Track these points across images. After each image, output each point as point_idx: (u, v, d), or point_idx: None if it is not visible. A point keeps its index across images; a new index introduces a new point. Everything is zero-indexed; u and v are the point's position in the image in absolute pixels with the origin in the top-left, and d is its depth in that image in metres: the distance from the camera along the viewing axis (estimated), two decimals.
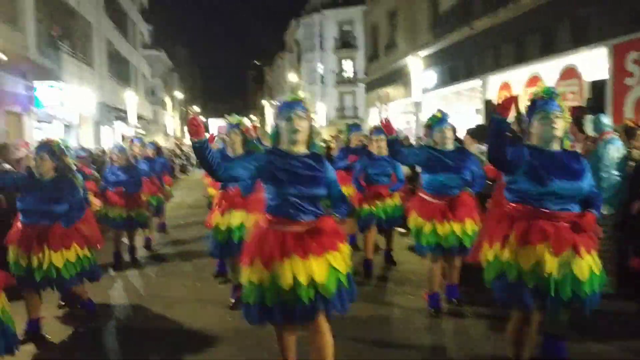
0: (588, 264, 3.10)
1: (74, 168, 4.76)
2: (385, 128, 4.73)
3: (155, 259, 7.76)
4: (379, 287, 5.94)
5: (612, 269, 5.20)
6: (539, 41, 11.72)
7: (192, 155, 29.45)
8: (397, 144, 4.78)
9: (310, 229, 3.05)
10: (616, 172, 5.16)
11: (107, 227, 7.21)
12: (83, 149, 9.79)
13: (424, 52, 17.19)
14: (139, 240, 7.94)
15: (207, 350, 4.28)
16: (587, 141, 5.50)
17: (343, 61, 41.52)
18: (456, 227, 4.65)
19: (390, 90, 22.01)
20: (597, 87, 9.80)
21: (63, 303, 5.33)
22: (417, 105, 16.62)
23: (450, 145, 4.85)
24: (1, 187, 5.35)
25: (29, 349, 4.36)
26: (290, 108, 3.13)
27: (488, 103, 13.95)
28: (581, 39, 10.22)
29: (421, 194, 5.02)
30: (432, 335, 4.47)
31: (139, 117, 28.75)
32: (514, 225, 3.21)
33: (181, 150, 33.20)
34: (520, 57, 12.45)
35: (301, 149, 3.18)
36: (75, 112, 19.05)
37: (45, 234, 4.36)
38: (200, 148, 2.86)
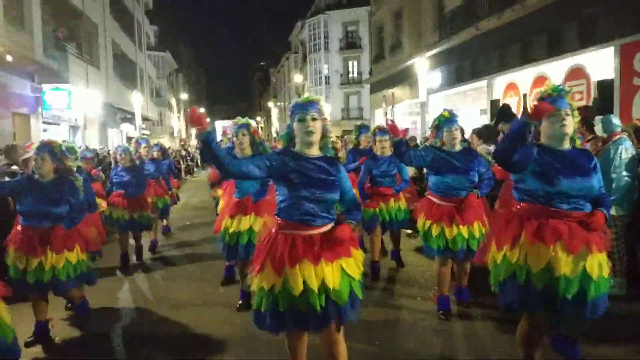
0: (599, 263, 3.05)
1: (74, 170, 4.69)
2: (390, 130, 4.61)
3: (161, 261, 7.74)
4: (386, 289, 5.91)
5: (622, 270, 5.16)
6: (545, 41, 11.68)
7: (198, 156, 29.53)
8: (403, 146, 4.67)
9: (323, 235, 2.96)
10: (626, 173, 5.12)
11: (112, 228, 7.23)
12: (89, 150, 9.81)
13: (430, 53, 17.16)
14: (145, 242, 7.94)
15: (215, 354, 4.26)
16: (596, 142, 5.46)
17: (348, 62, 41.52)
18: (464, 231, 4.61)
19: (395, 91, 21.98)
20: (604, 87, 9.76)
21: (70, 305, 5.33)
22: (423, 105, 16.58)
23: (458, 146, 4.77)
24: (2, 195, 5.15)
25: (36, 350, 4.37)
26: (304, 109, 3.04)
27: (494, 103, 13.91)
28: (588, 39, 10.18)
29: (429, 196, 4.98)
30: (441, 338, 4.43)
31: (145, 119, 28.85)
32: (524, 225, 3.15)
33: (187, 151, 33.25)
34: (526, 58, 12.42)
35: (314, 151, 3.10)
36: (81, 113, 19.13)
37: (47, 236, 4.31)
38: (207, 139, 2.75)
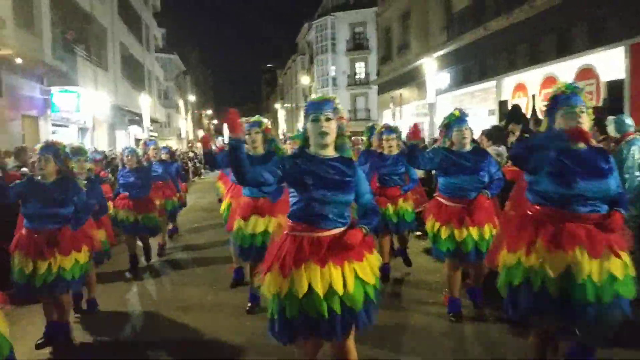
0: (623, 263, 2.96)
1: (75, 174, 4.68)
2: (412, 134, 4.55)
3: (170, 264, 7.73)
4: (396, 291, 5.87)
5: (636, 274, 5.09)
6: (554, 41, 11.60)
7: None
8: (417, 150, 4.61)
9: (332, 238, 2.85)
10: (639, 173, 5.06)
11: (118, 230, 7.22)
12: (97, 152, 9.85)
13: (437, 53, 17.10)
14: (153, 244, 7.94)
15: (225, 357, 4.24)
16: (608, 142, 5.41)
17: (355, 63, 41.48)
18: (474, 232, 4.54)
19: (403, 92, 21.93)
20: (614, 87, 9.68)
21: (84, 308, 5.33)
22: (431, 106, 16.52)
23: (468, 146, 4.70)
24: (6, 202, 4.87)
25: (45, 352, 4.38)
26: (318, 108, 2.97)
27: (502, 104, 13.84)
28: (597, 39, 10.10)
29: (438, 197, 4.93)
30: (452, 341, 4.39)
31: (153, 121, 28.93)
32: (540, 231, 3.06)
33: (194, 153, 33.33)
34: (535, 58, 12.33)
35: (330, 152, 3.02)
36: (89, 115, 19.23)
37: (54, 238, 4.26)
38: (236, 147, 2.72)
